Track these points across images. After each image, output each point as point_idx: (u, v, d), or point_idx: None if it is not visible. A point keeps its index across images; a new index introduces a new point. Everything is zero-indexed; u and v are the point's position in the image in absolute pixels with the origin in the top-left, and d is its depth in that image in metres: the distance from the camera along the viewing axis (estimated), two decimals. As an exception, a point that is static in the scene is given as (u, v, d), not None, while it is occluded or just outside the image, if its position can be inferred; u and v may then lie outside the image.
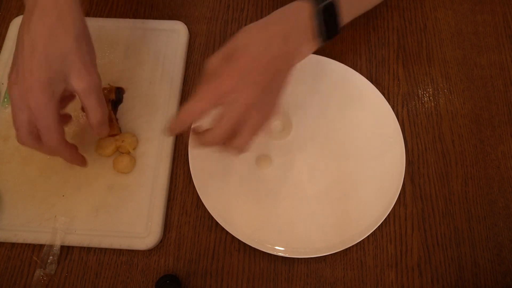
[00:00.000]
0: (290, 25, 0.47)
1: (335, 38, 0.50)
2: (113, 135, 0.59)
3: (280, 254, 0.54)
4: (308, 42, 0.49)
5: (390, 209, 0.55)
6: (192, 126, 0.49)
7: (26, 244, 0.56)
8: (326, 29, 0.48)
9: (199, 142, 0.47)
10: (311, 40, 0.48)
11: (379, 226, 0.55)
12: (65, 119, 0.55)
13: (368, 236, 0.55)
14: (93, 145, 0.59)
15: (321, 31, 0.48)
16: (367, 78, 0.62)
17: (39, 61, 0.44)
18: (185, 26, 0.67)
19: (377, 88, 0.62)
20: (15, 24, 0.67)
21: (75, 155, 0.52)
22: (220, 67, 0.45)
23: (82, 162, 0.54)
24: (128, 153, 0.59)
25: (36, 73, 0.44)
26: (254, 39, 0.46)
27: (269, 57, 0.45)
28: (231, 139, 0.46)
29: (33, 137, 0.47)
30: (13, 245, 0.56)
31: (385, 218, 0.55)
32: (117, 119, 0.60)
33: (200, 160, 0.58)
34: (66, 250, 0.55)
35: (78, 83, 0.46)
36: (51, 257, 0.54)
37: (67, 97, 0.51)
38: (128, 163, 0.57)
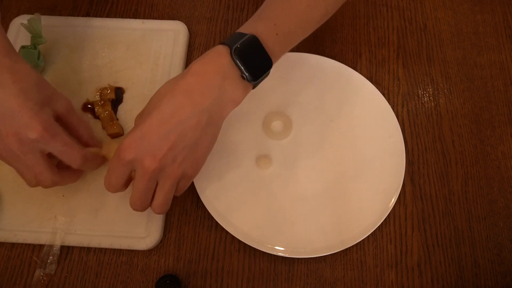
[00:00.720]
0: (208, 76, 0.45)
1: (266, 77, 0.48)
2: (116, 135, 0.59)
3: (280, 254, 0.54)
4: (237, 87, 0.46)
5: (390, 209, 0.55)
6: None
7: (26, 244, 0.56)
8: (250, 71, 0.46)
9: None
10: (239, 84, 0.46)
11: (379, 226, 0.55)
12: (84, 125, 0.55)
13: (368, 236, 0.55)
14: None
15: (245, 74, 0.46)
16: (367, 78, 0.62)
17: (21, 97, 0.44)
18: (185, 26, 0.67)
19: (377, 88, 0.62)
20: (15, 24, 0.66)
21: (102, 157, 0.53)
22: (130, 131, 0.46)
23: (104, 159, 0.54)
24: None
25: (24, 106, 0.44)
26: (166, 99, 0.44)
27: (179, 117, 0.44)
28: (146, 202, 0.48)
29: (57, 172, 0.48)
30: (13, 245, 0.56)
31: (385, 218, 0.55)
32: (117, 119, 0.60)
33: (200, 160, 0.58)
34: (66, 250, 0.55)
35: (61, 104, 0.49)
36: (51, 257, 0.54)
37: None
38: None
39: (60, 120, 0.49)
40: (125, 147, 0.44)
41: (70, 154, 0.47)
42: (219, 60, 0.45)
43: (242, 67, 0.45)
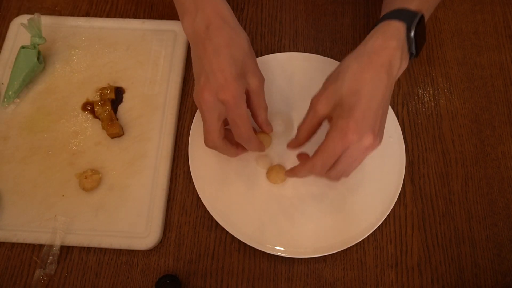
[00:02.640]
0: (393, 51, 0.47)
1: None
2: (116, 135, 0.59)
3: (280, 254, 0.54)
4: (405, 63, 0.50)
5: (390, 209, 0.55)
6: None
7: (26, 244, 0.56)
8: (418, 47, 0.50)
9: (304, 174, 0.51)
10: (406, 60, 0.50)
11: (379, 226, 0.55)
12: None
13: (368, 236, 0.55)
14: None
15: (414, 50, 0.50)
16: (367, 78, 0.62)
17: (228, 61, 0.47)
18: (185, 26, 0.67)
19: (377, 88, 0.62)
20: (15, 24, 0.67)
21: (260, 143, 0.54)
22: (336, 116, 0.47)
23: (263, 147, 0.55)
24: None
25: (227, 70, 0.47)
26: (362, 81, 0.46)
27: (379, 97, 0.47)
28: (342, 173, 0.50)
29: (222, 138, 0.51)
30: (13, 245, 0.56)
31: (385, 218, 0.55)
32: (117, 119, 0.60)
33: (200, 160, 0.58)
34: (66, 250, 0.55)
35: (254, 81, 0.50)
36: (51, 257, 0.54)
37: None
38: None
39: (248, 94, 0.51)
40: (351, 130, 0.45)
41: (240, 127, 0.49)
42: (399, 36, 0.48)
43: (416, 45, 0.50)
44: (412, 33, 0.49)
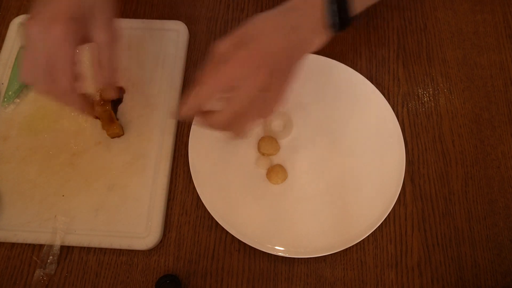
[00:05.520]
0: (301, 16, 0.46)
1: (346, 29, 0.49)
2: (116, 135, 0.59)
3: (280, 254, 0.54)
4: (320, 33, 0.48)
5: (390, 209, 0.55)
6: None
7: (26, 244, 0.56)
8: (338, 20, 0.47)
9: (204, 123, 0.47)
10: (322, 31, 0.48)
11: (379, 226, 0.55)
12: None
13: (368, 236, 0.55)
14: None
15: (333, 22, 0.47)
16: (367, 78, 0.62)
17: (64, 1, 0.43)
18: (185, 26, 0.67)
19: (377, 88, 0.62)
20: (15, 24, 0.67)
21: (85, 102, 0.48)
22: (229, 52, 0.44)
23: (91, 111, 0.50)
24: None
25: (64, 4, 0.42)
26: (265, 27, 0.45)
27: (279, 46, 0.45)
28: (234, 123, 0.45)
29: (44, 75, 0.44)
30: (13, 245, 0.56)
31: (385, 218, 0.55)
32: (117, 119, 0.60)
33: (200, 160, 0.58)
34: (66, 250, 0.55)
35: (100, 34, 0.45)
36: (51, 257, 0.54)
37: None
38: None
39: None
40: (236, 63, 0.43)
41: (59, 73, 0.44)
42: (313, 4, 0.47)
43: (335, 18, 0.47)
44: (329, 5, 0.46)
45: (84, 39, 0.45)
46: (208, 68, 0.45)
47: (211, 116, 0.45)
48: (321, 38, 0.48)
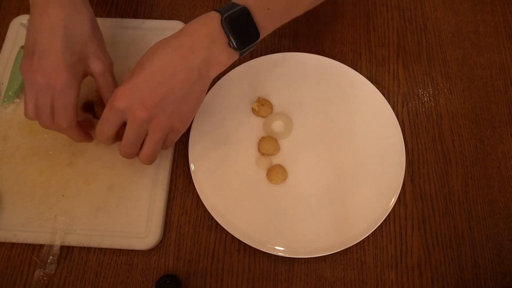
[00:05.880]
0: (198, 37, 0.47)
1: (253, 48, 0.50)
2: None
3: (280, 254, 0.54)
4: (223, 53, 0.48)
5: (390, 209, 0.55)
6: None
7: (26, 244, 0.56)
8: (237, 40, 0.48)
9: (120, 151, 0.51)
10: (227, 52, 0.48)
11: (379, 226, 0.55)
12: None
13: (368, 236, 0.55)
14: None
15: (232, 42, 0.48)
16: (367, 78, 0.62)
17: (63, 44, 0.47)
18: (185, 26, 0.67)
19: (377, 88, 0.62)
20: (15, 24, 0.66)
21: (82, 136, 0.54)
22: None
23: (87, 139, 0.56)
24: None
25: (60, 56, 0.46)
26: (158, 54, 0.47)
27: (170, 70, 0.46)
28: (133, 152, 0.50)
29: (49, 115, 0.50)
30: (13, 245, 0.56)
31: (385, 218, 0.55)
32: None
33: (200, 160, 0.58)
34: (66, 250, 0.55)
35: (97, 65, 0.50)
36: (51, 257, 0.54)
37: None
38: None
39: (93, 77, 0.52)
40: (118, 96, 0.46)
41: (61, 116, 0.49)
42: (210, 24, 0.47)
43: (230, 36, 0.47)
44: (224, 24, 0.47)
45: (85, 74, 0.52)
46: (107, 122, 0.48)
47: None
48: (226, 57, 0.48)
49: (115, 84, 0.53)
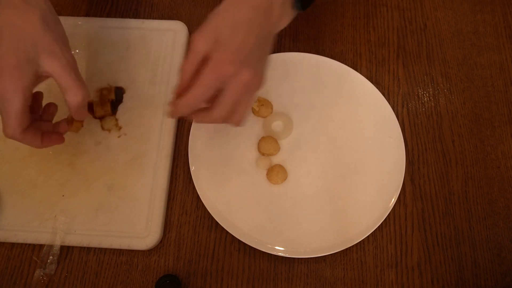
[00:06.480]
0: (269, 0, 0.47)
1: (309, 8, 0.52)
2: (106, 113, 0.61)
3: (280, 254, 0.54)
4: (287, 14, 0.50)
5: (390, 209, 0.55)
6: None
7: (26, 244, 0.56)
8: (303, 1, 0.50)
9: (202, 119, 0.48)
10: (289, 11, 0.50)
11: (379, 226, 0.55)
12: (51, 108, 0.53)
13: (368, 236, 0.55)
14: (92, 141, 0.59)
15: (297, 1, 0.50)
16: (367, 78, 0.62)
17: (7, 47, 0.44)
18: (185, 26, 0.67)
19: (377, 88, 0.62)
20: (15, 24, 0.66)
21: (37, 142, 0.49)
22: (213, 51, 0.44)
23: (54, 142, 0.51)
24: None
25: (5, 57, 0.44)
26: (238, 19, 0.46)
27: (255, 35, 0.46)
28: (230, 115, 0.47)
29: (21, 130, 0.46)
30: (13, 245, 0.56)
31: (385, 218, 0.55)
32: (117, 119, 0.60)
33: (200, 160, 0.58)
34: (66, 250, 0.55)
35: (50, 64, 0.45)
36: (51, 257, 0.54)
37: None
38: None
39: (52, 77, 0.47)
40: (224, 62, 0.44)
41: (6, 122, 0.45)
42: None
43: None
44: None
45: (40, 75, 0.46)
46: (189, 66, 0.45)
47: (206, 113, 0.47)
48: (288, 18, 0.51)
49: (79, 83, 0.47)
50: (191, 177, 0.57)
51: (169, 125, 0.60)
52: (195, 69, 0.46)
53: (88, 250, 0.55)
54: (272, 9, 0.47)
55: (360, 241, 0.54)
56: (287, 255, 0.54)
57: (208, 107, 0.47)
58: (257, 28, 0.46)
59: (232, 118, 0.48)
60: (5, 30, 0.44)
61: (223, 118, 0.47)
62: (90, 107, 0.61)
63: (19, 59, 0.44)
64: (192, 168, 0.57)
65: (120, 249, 0.55)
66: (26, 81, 0.45)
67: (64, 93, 0.47)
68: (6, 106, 0.44)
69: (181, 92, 0.47)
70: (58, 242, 0.54)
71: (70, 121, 0.53)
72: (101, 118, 0.61)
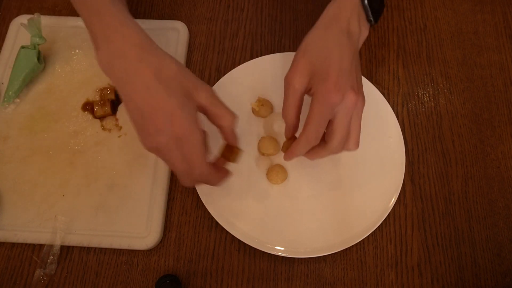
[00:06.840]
0: (347, 20, 0.50)
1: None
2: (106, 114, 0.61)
3: (280, 254, 0.54)
4: (364, 29, 0.53)
5: (390, 209, 0.55)
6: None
7: (26, 244, 0.56)
8: (373, 13, 0.53)
9: (319, 155, 0.50)
10: (365, 25, 0.53)
11: (379, 226, 0.55)
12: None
13: (368, 236, 0.55)
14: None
15: (370, 16, 0.53)
16: (367, 78, 0.62)
17: (163, 93, 0.43)
18: (185, 26, 0.67)
19: (377, 88, 0.62)
20: (15, 24, 0.66)
21: (224, 174, 0.51)
22: (313, 85, 0.47)
23: (227, 176, 0.51)
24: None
25: (167, 104, 0.42)
26: (329, 47, 0.48)
27: (347, 57, 0.48)
28: (347, 141, 0.49)
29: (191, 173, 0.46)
30: (13, 245, 0.56)
31: (385, 218, 0.55)
32: (117, 119, 0.60)
33: (200, 160, 0.58)
34: (66, 250, 0.55)
35: (202, 95, 0.45)
36: (51, 257, 0.54)
37: None
38: None
39: (204, 110, 0.47)
40: (331, 93, 0.46)
41: (195, 162, 0.45)
42: (351, 4, 0.51)
43: (369, 12, 0.53)
44: (366, 1, 0.52)
45: (196, 109, 0.46)
46: (292, 108, 0.49)
47: (322, 148, 0.49)
48: (366, 32, 0.54)
49: (227, 107, 0.47)
50: (191, 177, 0.57)
51: (169, 125, 0.60)
52: (298, 109, 0.49)
53: (88, 250, 0.55)
54: (351, 28, 0.50)
55: (360, 241, 0.54)
56: (287, 255, 0.54)
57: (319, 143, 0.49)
58: (346, 50, 0.49)
59: (349, 143, 0.49)
60: (152, 83, 0.43)
61: (341, 146, 0.48)
62: (90, 107, 0.61)
63: (179, 100, 0.43)
64: (192, 168, 0.57)
65: (120, 249, 0.55)
66: (195, 116, 0.45)
67: (219, 120, 0.47)
68: (190, 147, 0.44)
69: (290, 135, 0.51)
70: (58, 242, 0.54)
71: (229, 150, 0.51)
72: (101, 118, 0.61)
